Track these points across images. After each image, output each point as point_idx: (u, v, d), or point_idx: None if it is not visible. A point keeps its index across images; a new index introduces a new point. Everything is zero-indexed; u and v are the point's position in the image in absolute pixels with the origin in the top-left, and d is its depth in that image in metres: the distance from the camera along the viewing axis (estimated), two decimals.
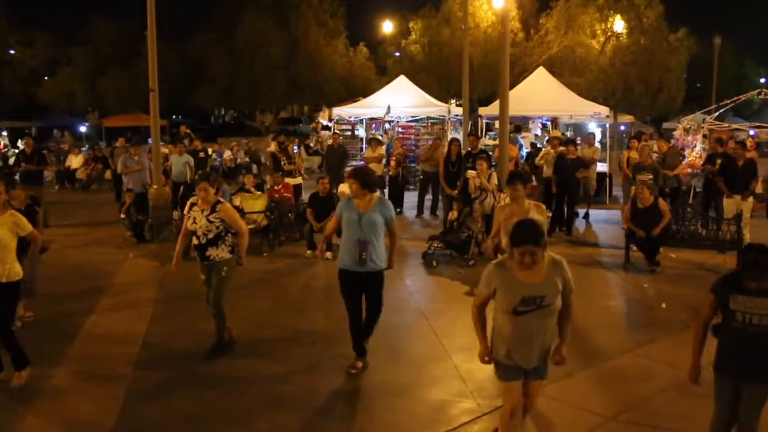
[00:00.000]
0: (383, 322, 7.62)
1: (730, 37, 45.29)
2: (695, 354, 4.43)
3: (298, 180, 14.44)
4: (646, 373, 6.37)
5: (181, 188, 14.00)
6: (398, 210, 15.56)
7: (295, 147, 18.82)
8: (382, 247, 6.17)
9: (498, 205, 7.55)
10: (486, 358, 4.45)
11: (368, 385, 6.06)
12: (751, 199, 11.45)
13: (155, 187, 12.89)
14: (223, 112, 56.30)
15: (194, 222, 6.49)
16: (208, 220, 6.45)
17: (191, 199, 6.69)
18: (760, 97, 22.61)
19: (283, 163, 13.98)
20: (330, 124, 22.58)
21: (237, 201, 12.39)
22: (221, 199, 6.71)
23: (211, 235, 6.46)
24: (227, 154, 23.04)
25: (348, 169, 14.09)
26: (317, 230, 10.92)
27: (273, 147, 15.69)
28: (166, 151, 16.24)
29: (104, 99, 38.09)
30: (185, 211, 6.73)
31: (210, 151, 20.74)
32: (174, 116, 47.57)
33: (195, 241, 6.55)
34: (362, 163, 17.18)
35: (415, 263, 10.57)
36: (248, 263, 10.67)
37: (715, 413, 4.41)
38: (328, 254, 9.45)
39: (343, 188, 11.13)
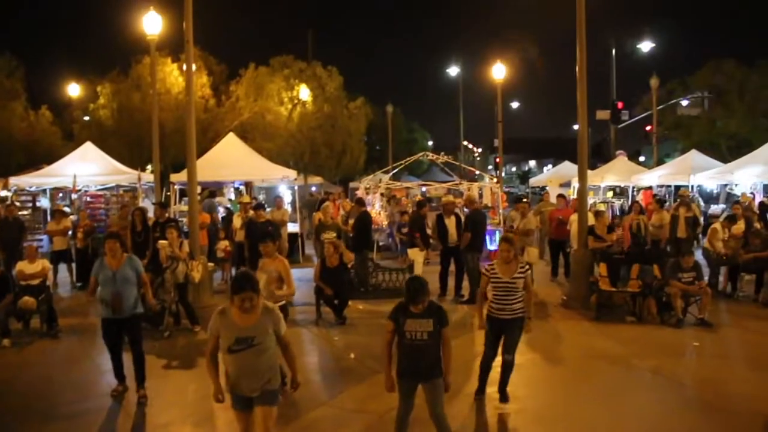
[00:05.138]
0: (75, 408, 7.33)
1: (401, 106, 51.27)
2: (387, 369, 5.57)
3: None
4: (338, 422, 6.96)
5: None
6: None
7: None
8: (135, 295, 7.38)
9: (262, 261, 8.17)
10: (219, 396, 5.07)
11: None
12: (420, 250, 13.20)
13: None
14: None
15: None
16: None
17: None
18: (427, 158, 25.89)
19: None
20: (8, 195, 20.67)
21: None
22: None
23: None
24: None
25: (27, 244, 13.16)
26: None
27: None
28: None
29: None
30: None
31: None
32: None
33: None
34: (45, 236, 16.11)
35: None
36: None
37: (399, 409, 5.61)
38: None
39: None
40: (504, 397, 7.20)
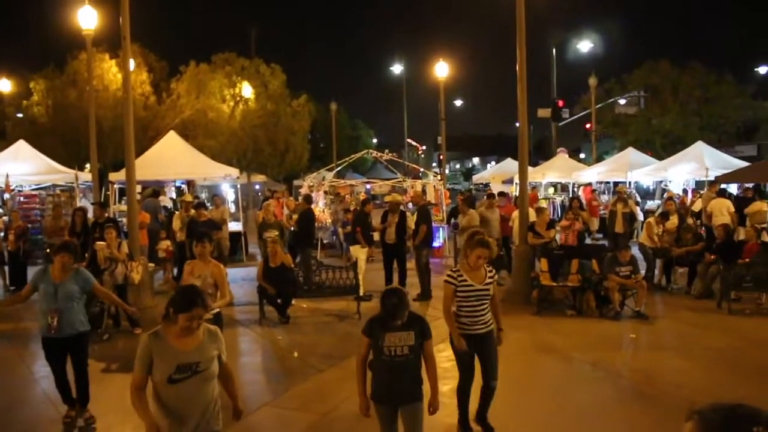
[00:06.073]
0: (9, 416, 7.12)
1: (345, 103, 51.43)
2: (361, 390, 4.92)
3: None
4: (283, 422, 6.94)
5: None
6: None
7: None
8: (79, 313, 6.59)
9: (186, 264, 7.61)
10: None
11: None
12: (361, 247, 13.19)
13: None
14: None
15: None
16: None
17: None
18: (371, 155, 25.98)
19: None
20: None
21: None
22: None
23: None
24: None
25: None
26: None
27: None
28: None
29: None
30: None
31: None
32: None
33: None
34: None
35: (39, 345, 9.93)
36: None
37: None
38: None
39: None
40: (488, 428, 6.37)
